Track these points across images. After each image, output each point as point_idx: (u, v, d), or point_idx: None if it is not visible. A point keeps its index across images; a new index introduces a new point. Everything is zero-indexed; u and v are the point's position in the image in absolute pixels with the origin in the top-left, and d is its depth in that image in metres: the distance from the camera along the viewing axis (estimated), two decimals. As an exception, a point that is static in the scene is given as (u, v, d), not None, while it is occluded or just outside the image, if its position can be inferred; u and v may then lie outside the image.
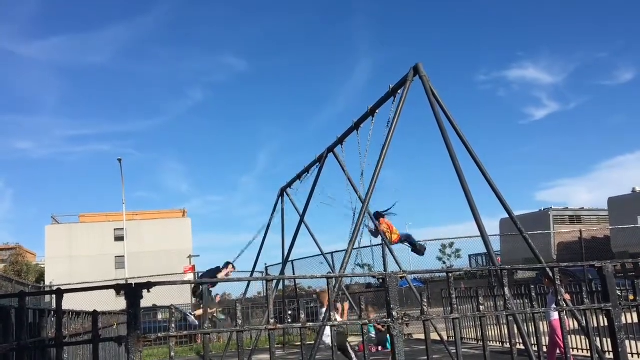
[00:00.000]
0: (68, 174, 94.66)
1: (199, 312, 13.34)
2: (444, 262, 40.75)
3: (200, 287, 12.88)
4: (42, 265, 59.06)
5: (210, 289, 13.42)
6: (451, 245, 39.58)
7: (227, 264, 14.49)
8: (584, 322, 7.28)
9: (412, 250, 12.39)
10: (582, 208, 32.55)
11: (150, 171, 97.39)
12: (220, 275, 13.77)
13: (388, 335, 10.08)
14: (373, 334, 9.68)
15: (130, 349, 2.97)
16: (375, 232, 12.06)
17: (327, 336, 9.61)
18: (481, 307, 3.52)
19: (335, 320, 3.36)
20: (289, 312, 22.59)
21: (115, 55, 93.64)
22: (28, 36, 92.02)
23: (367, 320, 3.42)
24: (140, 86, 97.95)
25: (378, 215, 12.17)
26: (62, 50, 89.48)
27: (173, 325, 3.19)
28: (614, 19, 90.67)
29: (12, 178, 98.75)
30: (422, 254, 12.51)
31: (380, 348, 15.04)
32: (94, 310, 3.15)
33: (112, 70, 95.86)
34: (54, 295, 3.24)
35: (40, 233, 56.15)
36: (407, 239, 12.50)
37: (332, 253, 19.62)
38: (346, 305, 12.47)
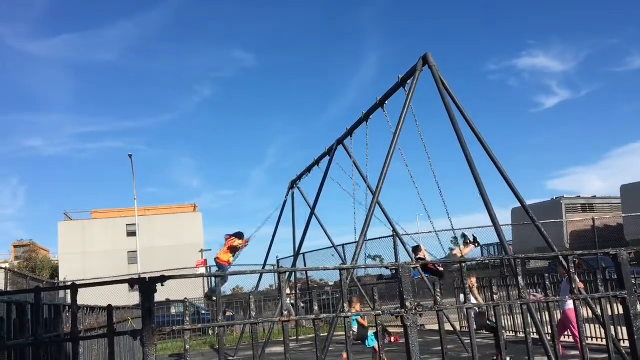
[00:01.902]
0: (80, 170, 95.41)
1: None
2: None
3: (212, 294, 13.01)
4: (56, 262, 59.61)
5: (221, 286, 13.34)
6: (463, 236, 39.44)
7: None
8: (599, 310, 7.24)
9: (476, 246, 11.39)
10: (595, 196, 32.32)
11: (161, 167, 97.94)
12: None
13: (370, 332, 9.95)
14: (355, 328, 9.41)
15: (145, 342, 2.98)
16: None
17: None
18: (495, 297, 3.50)
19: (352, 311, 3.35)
20: (302, 305, 22.66)
21: (124, 52, 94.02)
22: (38, 35, 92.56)
23: (379, 312, 3.41)
24: (149, 83, 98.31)
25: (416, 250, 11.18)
26: (72, 48, 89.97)
27: (187, 319, 3.20)
28: (626, 5, 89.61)
29: (25, 176, 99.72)
30: (478, 245, 11.51)
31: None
32: (109, 305, 3.16)
33: (121, 67, 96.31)
34: (68, 291, 3.26)
35: (53, 230, 56.70)
36: (463, 237, 11.39)
37: (343, 245, 19.64)
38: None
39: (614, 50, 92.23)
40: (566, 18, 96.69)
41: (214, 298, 13.97)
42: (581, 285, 8.17)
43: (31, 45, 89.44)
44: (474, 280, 11.23)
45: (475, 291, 10.69)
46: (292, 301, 21.22)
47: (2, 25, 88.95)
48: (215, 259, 13.67)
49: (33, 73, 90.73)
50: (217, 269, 13.71)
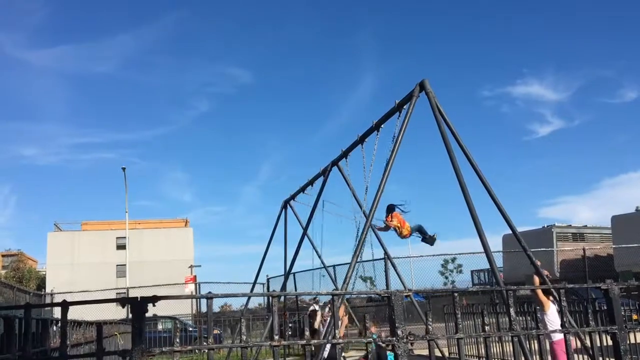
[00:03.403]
0: (71, 181, 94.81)
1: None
2: (446, 277, 40.56)
3: None
4: (43, 272, 58.99)
5: None
6: (453, 260, 39.43)
7: None
8: (588, 342, 7.23)
9: (422, 240, 11.92)
10: (586, 226, 32.45)
11: (153, 180, 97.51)
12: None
13: (390, 354, 9.90)
14: (373, 349, 9.47)
15: (134, 363, 2.96)
16: (385, 228, 11.71)
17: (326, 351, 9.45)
18: (486, 328, 3.51)
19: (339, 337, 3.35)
20: (289, 325, 22.51)
21: (121, 64, 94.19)
22: (36, 45, 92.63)
23: (370, 339, 3.41)
24: (145, 96, 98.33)
25: (390, 209, 11.69)
26: (69, 59, 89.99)
27: (177, 340, 3.19)
28: (619, 37, 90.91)
29: (16, 184, 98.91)
30: (432, 244, 11.96)
31: None
32: (99, 323, 3.14)
33: (118, 80, 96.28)
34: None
35: (42, 240, 56.11)
36: (418, 229, 12.05)
37: (334, 266, 19.60)
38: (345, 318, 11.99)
39: (606, 81, 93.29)
40: (561, 48, 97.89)
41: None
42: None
43: (29, 54, 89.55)
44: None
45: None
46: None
47: (0, 33, 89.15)
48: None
49: (30, 82, 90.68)
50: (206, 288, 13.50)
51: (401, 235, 11.53)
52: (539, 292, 7.95)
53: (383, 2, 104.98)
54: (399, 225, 11.60)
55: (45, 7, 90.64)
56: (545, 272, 8.77)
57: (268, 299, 21.80)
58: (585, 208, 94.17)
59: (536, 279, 8.60)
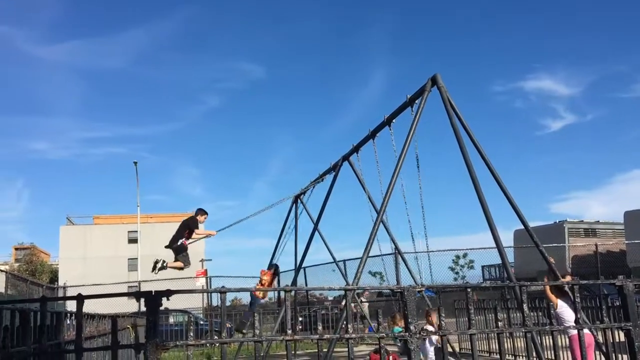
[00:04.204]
0: (83, 175, 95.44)
1: (176, 264, 12.39)
2: (457, 273, 40.43)
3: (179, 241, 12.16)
4: (56, 266, 59.54)
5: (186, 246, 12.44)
6: (464, 255, 39.33)
7: (200, 211, 12.66)
8: (601, 339, 7.21)
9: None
10: (598, 221, 32.19)
11: (164, 175, 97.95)
12: (199, 231, 12.76)
13: None
14: (400, 343, 9.63)
15: (148, 356, 2.99)
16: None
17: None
18: (499, 324, 3.50)
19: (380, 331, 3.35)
20: (300, 319, 22.57)
21: (132, 60, 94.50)
22: (48, 40, 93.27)
23: (383, 334, 3.41)
24: (156, 91, 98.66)
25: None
26: (81, 54, 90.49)
27: (191, 334, 3.20)
28: (632, 32, 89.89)
29: (29, 178, 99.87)
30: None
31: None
32: (114, 316, 3.17)
33: (129, 75, 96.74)
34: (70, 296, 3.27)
35: (54, 233, 56.62)
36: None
37: (344, 261, 19.61)
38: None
39: (620, 76, 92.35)
40: (573, 43, 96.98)
41: (245, 330, 13.56)
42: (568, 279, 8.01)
43: (41, 49, 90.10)
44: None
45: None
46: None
47: (13, 28, 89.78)
48: (251, 293, 13.44)
49: (42, 77, 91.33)
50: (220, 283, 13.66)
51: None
52: (547, 289, 7.90)
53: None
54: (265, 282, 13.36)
55: (57, 3, 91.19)
56: (551, 259, 8.69)
57: (278, 292, 21.86)
58: (597, 203, 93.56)
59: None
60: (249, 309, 14.20)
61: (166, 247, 12.14)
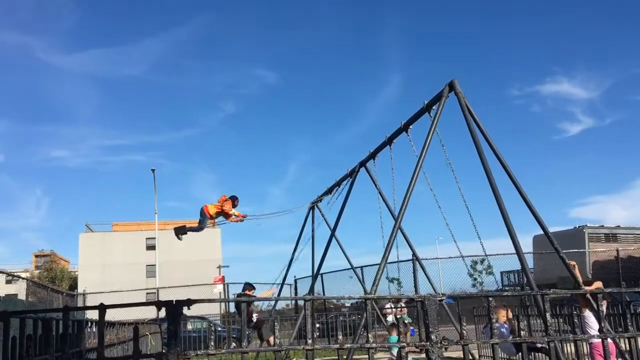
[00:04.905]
0: (102, 182, 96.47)
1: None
2: (475, 279, 40.06)
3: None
4: (75, 273, 60.14)
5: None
6: (482, 261, 38.97)
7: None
8: (623, 346, 7.08)
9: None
10: (619, 226, 31.74)
11: (181, 181, 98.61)
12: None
13: None
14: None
15: (170, 366, 2.99)
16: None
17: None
18: (522, 333, 3.46)
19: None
20: (317, 325, 22.51)
21: (150, 67, 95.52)
22: (67, 49, 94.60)
23: (404, 344, 3.38)
24: (173, 98, 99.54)
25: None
26: (99, 63, 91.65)
27: (212, 344, 3.21)
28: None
29: (48, 186, 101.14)
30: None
31: None
32: (135, 324, 3.18)
33: (146, 82, 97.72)
34: (89, 302, 3.29)
35: (74, 241, 57.22)
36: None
37: (362, 267, 19.54)
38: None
39: (639, 79, 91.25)
40: (591, 46, 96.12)
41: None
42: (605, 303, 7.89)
43: (60, 58, 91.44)
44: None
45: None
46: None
47: (32, 38, 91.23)
48: (202, 207, 14.37)
49: (61, 85, 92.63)
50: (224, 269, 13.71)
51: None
52: (582, 299, 7.75)
53: (409, 3, 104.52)
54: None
55: (75, 12, 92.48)
56: (573, 264, 8.57)
57: (296, 301, 21.86)
58: (617, 208, 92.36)
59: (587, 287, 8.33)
60: (198, 223, 14.70)
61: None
